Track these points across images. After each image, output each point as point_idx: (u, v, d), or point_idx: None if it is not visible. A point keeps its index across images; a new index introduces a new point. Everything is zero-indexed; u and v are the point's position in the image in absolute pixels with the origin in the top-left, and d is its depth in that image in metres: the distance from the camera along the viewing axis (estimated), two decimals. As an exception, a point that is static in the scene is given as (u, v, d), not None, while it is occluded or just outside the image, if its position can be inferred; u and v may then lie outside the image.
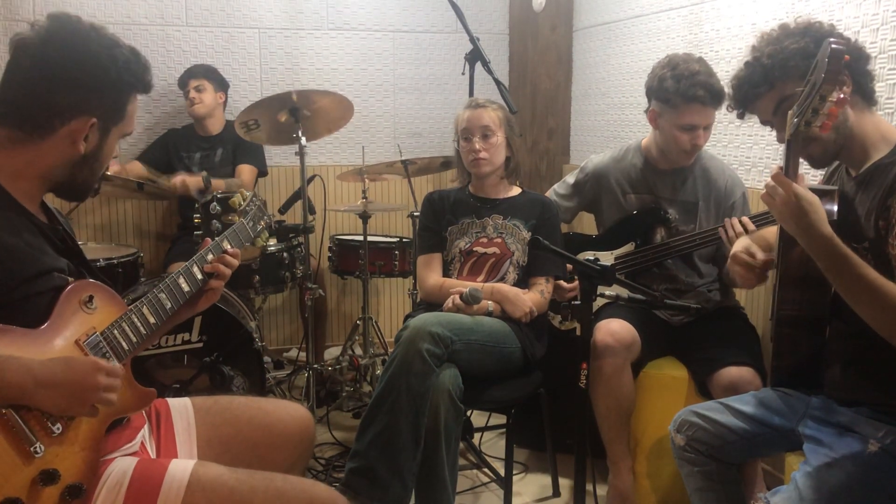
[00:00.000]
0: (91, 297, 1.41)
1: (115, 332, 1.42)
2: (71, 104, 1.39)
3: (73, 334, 1.36)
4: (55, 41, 1.38)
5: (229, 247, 1.69)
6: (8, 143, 1.39)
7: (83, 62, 1.39)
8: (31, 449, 1.23)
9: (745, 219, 2.30)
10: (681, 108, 2.38)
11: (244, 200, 1.86)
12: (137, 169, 3.50)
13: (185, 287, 1.58)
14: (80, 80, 1.39)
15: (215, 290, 1.66)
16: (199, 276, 1.61)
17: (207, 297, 1.67)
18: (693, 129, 2.42)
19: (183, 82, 3.58)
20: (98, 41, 1.41)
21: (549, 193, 2.87)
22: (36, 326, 1.32)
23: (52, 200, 1.53)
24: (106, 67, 1.40)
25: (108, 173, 3.24)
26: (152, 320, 1.49)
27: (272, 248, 3.07)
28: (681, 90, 2.35)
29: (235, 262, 1.67)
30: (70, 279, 1.41)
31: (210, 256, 1.64)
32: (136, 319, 1.47)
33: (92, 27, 1.42)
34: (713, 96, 2.36)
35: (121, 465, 1.39)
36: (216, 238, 1.68)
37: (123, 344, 1.43)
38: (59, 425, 1.28)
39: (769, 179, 1.54)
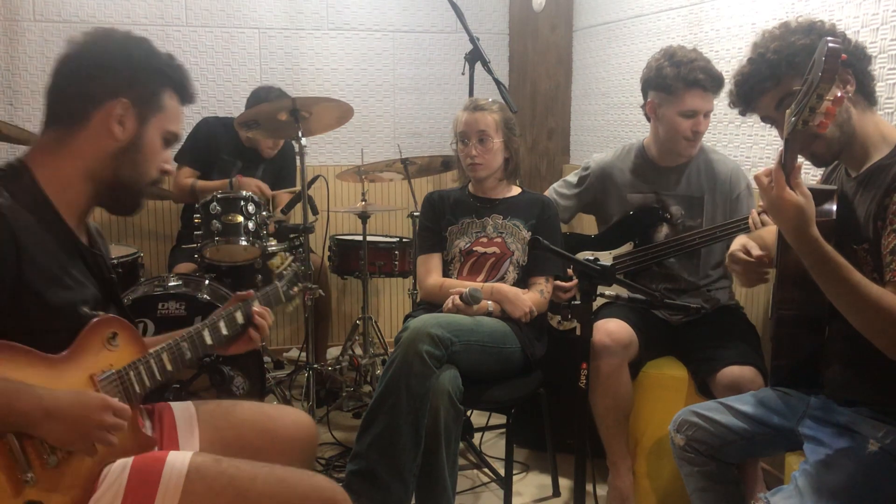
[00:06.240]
0: (115, 335, 1.42)
1: (131, 373, 1.42)
2: (101, 88, 1.42)
3: (89, 368, 1.37)
4: (90, 41, 1.45)
5: (258, 306, 1.69)
6: (54, 146, 1.42)
7: (110, 50, 1.45)
8: (23, 477, 1.23)
9: (764, 216, 2.28)
10: (681, 93, 2.42)
11: (282, 263, 1.90)
12: (188, 178, 3.29)
13: (209, 341, 1.58)
14: (108, 65, 1.43)
15: (253, 339, 1.67)
16: (225, 332, 1.61)
17: (242, 343, 1.67)
18: (694, 114, 2.45)
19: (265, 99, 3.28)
20: (127, 36, 1.49)
21: (549, 192, 2.87)
22: (55, 353, 1.32)
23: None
24: (131, 53, 1.45)
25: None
26: (170, 368, 1.49)
27: (274, 248, 3.06)
28: (681, 75, 2.40)
29: (265, 323, 1.68)
30: (99, 313, 1.41)
31: (238, 314, 1.64)
32: (153, 364, 1.47)
33: (125, 31, 1.50)
34: (713, 80, 2.43)
35: (119, 461, 1.39)
36: (248, 300, 1.68)
37: (136, 387, 1.43)
38: (55, 458, 1.28)
39: (768, 172, 1.50)
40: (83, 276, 1.44)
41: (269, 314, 1.70)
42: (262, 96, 3.35)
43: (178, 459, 1.38)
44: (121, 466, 1.37)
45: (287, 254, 1.94)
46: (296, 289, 1.89)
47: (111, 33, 1.48)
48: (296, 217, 3.20)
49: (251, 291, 1.70)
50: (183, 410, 1.64)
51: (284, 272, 1.88)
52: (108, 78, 1.42)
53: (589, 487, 1.78)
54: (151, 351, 1.48)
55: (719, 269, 2.60)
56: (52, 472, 1.28)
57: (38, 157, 1.42)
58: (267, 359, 3.45)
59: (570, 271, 2.53)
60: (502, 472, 2.56)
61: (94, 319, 1.39)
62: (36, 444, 1.26)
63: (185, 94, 1.53)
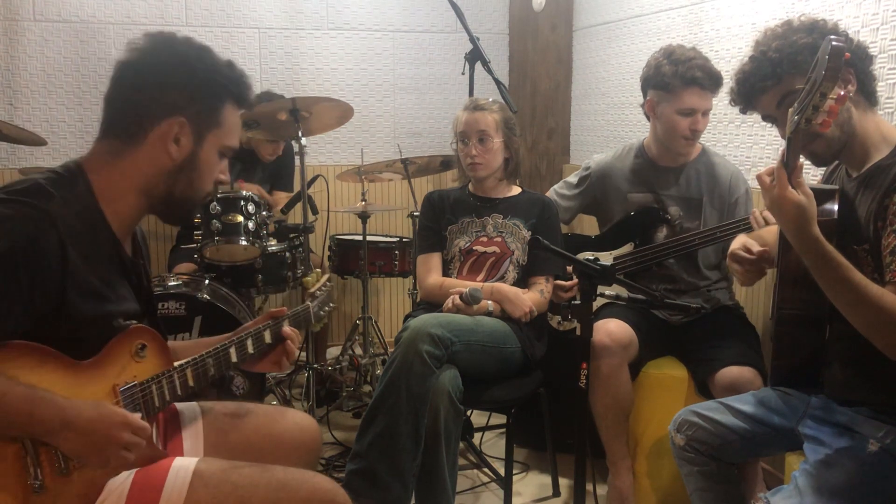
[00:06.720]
0: (144, 346, 1.41)
1: (153, 386, 1.41)
2: (160, 104, 1.39)
3: (113, 378, 1.36)
4: (151, 49, 1.41)
5: (288, 327, 1.68)
6: (109, 156, 1.40)
7: (171, 63, 1.41)
8: (31, 483, 1.23)
9: (767, 213, 2.28)
10: (679, 91, 2.43)
11: (317, 282, 1.86)
12: None
13: (234, 359, 1.57)
14: (168, 80, 1.40)
15: (280, 365, 1.67)
16: (251, 351, 1.60)
17: (268, 363, 1.67)
18: (692, 113, 2.45)
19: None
20: (189, 46, 1.44)
21: (550, 194, 2.87)
22: (82, 359, 1.32)
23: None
24: (193, 67, 1.41)
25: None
26: (192, 384, 1.48)
27: (274, 248, 3.06)
28: (679, 73, 2.41)
29: (294, 348, 1.67)
30: (131, 323, 1.40)
31: (267, 334, 1.63)
32: (176, 379, 1.45)
33: (186, 38, 1.45)
34: (711, 79, 2.43)
35: None
36: (279, 318, 1.67)
37: (156, 401, 1.42)
38: (66, 467, 1.27)
39: (770, 171, 1.50)
40: (124, 289, 1.43)
41: (298, 336, 1.69)
42: (262, 101, 3.34)
43: (183, 466, 1.38)
44: (124, 473, 1.36)
45: (321, 271, 1.90)
46: (326, 309, 1.87)
47: (172, 42, 1.43)
48: (296, 217, 3.20)
49: (284, 308, 1.68)
50: (188, 412, 1.64)
51: (318, 293, 1.85)
52: (167, 94, 1.39)
53: (589, 487, 1.78)
54: (176, 365, 1.46)
55: (716, 270, 2.61)
56: (61, 480, 1.27)
57: (94, 165, 1.40)
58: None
59: (570, 270, 2.53)
60: (502, 472, 2.56)
61: (126, 329, 1.38)
62: (49, 452, 1.25)
63: (245, 104, 1.51)
